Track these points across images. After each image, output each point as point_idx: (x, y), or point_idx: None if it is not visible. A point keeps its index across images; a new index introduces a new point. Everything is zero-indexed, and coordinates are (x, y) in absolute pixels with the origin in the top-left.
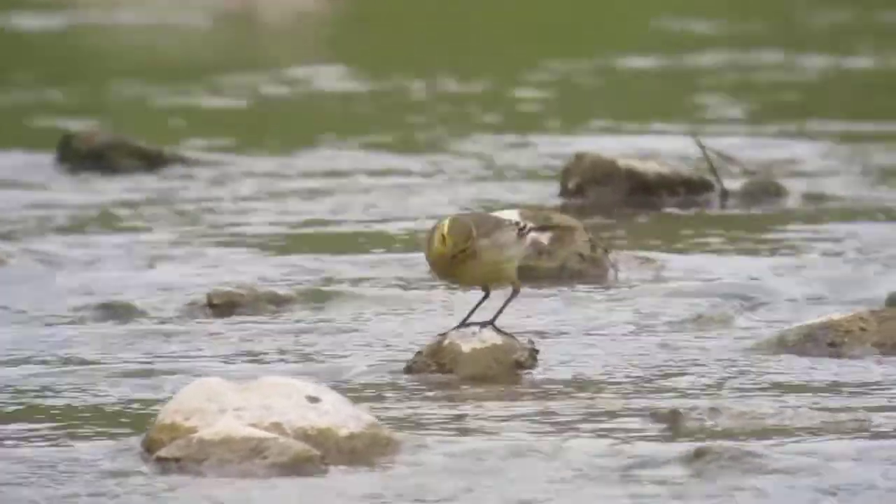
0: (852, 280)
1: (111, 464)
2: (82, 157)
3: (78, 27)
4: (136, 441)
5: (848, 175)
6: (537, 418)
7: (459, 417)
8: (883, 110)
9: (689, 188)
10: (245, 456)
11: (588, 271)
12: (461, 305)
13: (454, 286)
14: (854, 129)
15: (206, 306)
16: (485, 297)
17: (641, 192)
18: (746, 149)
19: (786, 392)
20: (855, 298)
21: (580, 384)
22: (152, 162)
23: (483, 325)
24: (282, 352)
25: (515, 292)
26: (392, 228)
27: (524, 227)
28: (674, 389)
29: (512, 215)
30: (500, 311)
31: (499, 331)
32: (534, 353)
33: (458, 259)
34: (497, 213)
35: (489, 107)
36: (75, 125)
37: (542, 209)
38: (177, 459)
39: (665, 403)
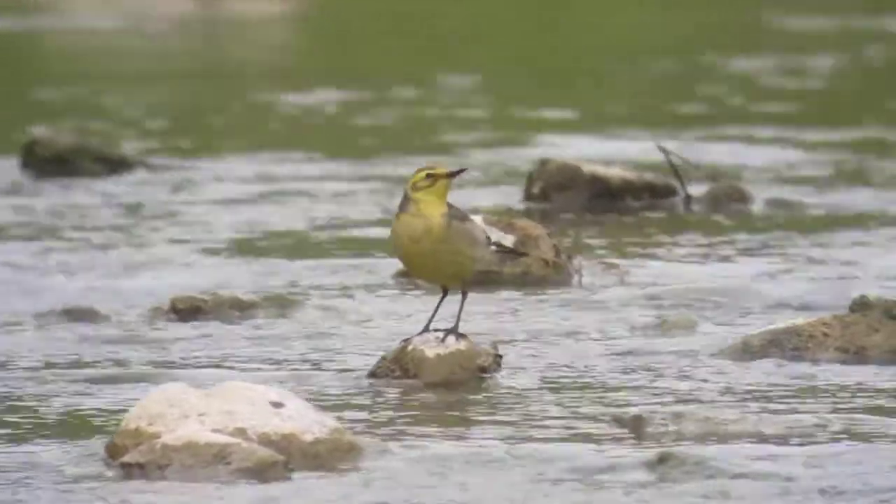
0: (816, 285)
1: (74, 469)
2: (46, 162)
3: (40, 30)
4: (99, 446)
5: (812, 180)
6: (500, 423)
7: (423, 422)
8: (847, 116)
9: (653, 193)
10: (208, 461)
11: (552, 277)
12: (424, 311)
13: (418, 277)
14: (820, 135)
15: (170, 311)
16: (443, 298)
17: (606, 197)
18: (710, 154)
19: (749, 397)
20: (818, 304)
21: (543, 389)
22: (115, 166)
23: (446, 332)
24: (245, 357)
25: (464, 295)
26: (355, 234)
27: (489, 238)
28: (637, 394)
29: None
30: (458, 317)
31: (461, 336)
32: (497, 358)
33: (422, 188)
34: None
35: (452, 110)
36: (39, 129)
37: (505, 214)
38: (140, 465)
39: (628, 408)
